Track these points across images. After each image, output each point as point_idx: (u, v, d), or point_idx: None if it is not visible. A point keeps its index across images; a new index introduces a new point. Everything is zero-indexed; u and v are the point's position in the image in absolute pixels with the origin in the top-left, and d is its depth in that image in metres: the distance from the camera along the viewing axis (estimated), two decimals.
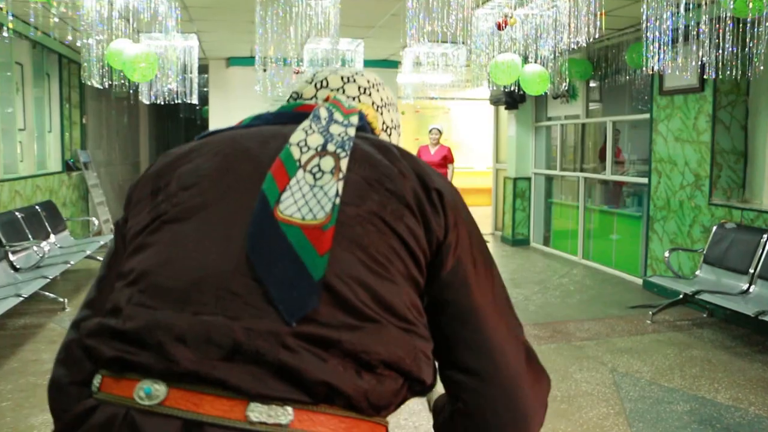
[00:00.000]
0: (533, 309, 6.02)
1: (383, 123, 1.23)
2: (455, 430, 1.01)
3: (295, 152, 0.96)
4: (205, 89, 10.59)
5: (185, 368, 0.83)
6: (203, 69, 10.36)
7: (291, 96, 1.25)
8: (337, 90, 1.19)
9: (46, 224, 7.51)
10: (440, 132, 9.59)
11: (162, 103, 8.42)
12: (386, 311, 0.90)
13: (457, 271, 0.97)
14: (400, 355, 0.90)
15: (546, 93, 8.72)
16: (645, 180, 6.85)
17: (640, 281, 6.94)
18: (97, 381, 0.90)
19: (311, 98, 1.19)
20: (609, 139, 7.64)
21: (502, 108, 10.02)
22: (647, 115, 6.80)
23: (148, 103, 8.23)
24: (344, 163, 0.95)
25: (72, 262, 6.50)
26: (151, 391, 0.83)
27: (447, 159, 9.45)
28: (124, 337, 0.88)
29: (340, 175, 0.93)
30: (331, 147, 0.97)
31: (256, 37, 5.77)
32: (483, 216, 11.98)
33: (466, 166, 15.47)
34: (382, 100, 1.23)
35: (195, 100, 8.45)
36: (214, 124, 9.99)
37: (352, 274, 0.89)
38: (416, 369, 0.92)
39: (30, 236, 6.87)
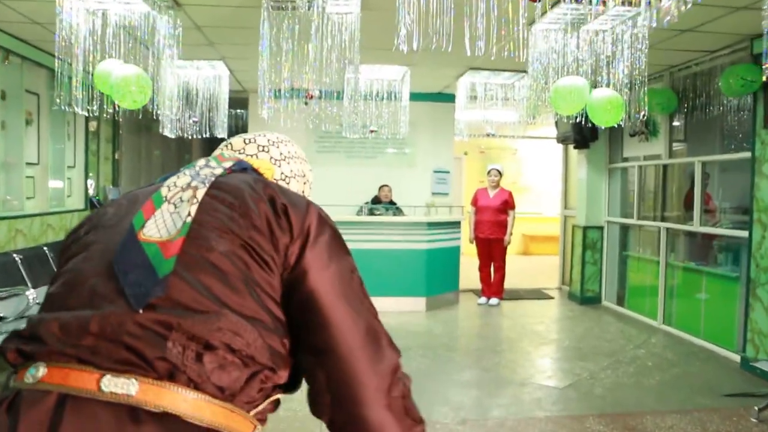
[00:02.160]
0: (600, 393, 4.82)
1: (281, 173, 1.43)
2: (317, 411, 1.13)
3: (164, 191, 1.19)
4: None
5: (55, 349, 1.00)
6: (241, 103, 9.67)
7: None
8: (239, 150, 1.42)
9: (54, 267, 6.83)
10: (500, 173, 8.52)
11: (190, 137, 7.75)
12: (229, 302, 1.05)
13: (299, 266, 1.13)
14: (242, 338, 1.03)
15: (621, 128, 7.60)
16: (744, 233, 5.59)
17: (736, 358, 5.62)
18: (13, 377, 1.04)
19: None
20: (698, 183, 6.39)
21: (571, 148, 8.88)
22: (747, 154, 5.57)
23: (172, 136, 7.52)
24: (201, 192, 1.17)
25: None
26: (34, 371, 0.99)
27: (507, 204, 8.37)
28: (21, 335, 1.06)
29: (194, 201, 1.14)
30: (194, 183, 1.19)
31: (258, 56, 4.87)
32: (550, 267, 10.75)
33: (534, 212, 14.30)
34: (281, 154, 1.44)
35: (224, 134, 7.73)
36: None
37: (198, 273, 1.06)
38: (262, 354, 1.05)
39: (28, 280, 6.17)
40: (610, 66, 4.83)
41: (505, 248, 8.37)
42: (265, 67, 5.31)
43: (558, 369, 5.54)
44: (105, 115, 6.70)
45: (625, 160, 8.09)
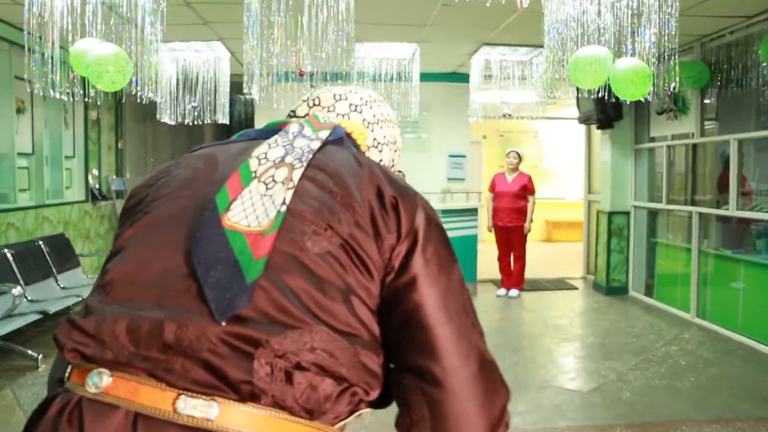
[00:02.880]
0: (628, 398, 4.34)
1: (374, 139, 1.28)
2: None
3: (253, 164, 1.02)
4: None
5: (122, 359, 0.88)
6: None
7: (288, 114, 1.30)
8: (329, 108, 1.26)
9: (50, 261, 6.50)
10: (519, 156, 8.02)
11: (191, 124, 7.36)
12: (323, 315, 0.91)
13: (405, 273, 0.98)
14: (336, 359, 0.91)
15: (648, 105, 7.06)
16: None
17: None
18: (67, 372, 0.93)
19: (304, 116, 1.26)
20: (734, 163, 5.84)
21: (594, 128, 8.35)
22: None
23: (172, 123, 7.14)
24: (297, 173, 1.00)
25: (51, 310, 5.40)
26: (97, 380, 0.88)
27: (527, 189, 7.87)
28: (81, 330, 0.93)
29: (290, 185, 0.98)
30: (289, 159, 1.03)
31: (243, 29, 4.43)
32: (574, 255, 10.24)
33: (557, 197, 13.76)
34: (374, 116, 1.28)
35: (225, 120, 7.32)
36: None
37: (289, 277, 0.92)
38: (356, 376, 0.93)
39: (19, 276, 5.85)
40: (636, 35, 4.32)
41: (525, 236, 7.89)
42: (254, 42, 4.88)
43: (582, 369, 5.07)
44: (100, 102, 6.34)
45: (652, 140, 7.54)
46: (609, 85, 4.38)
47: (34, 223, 6.68)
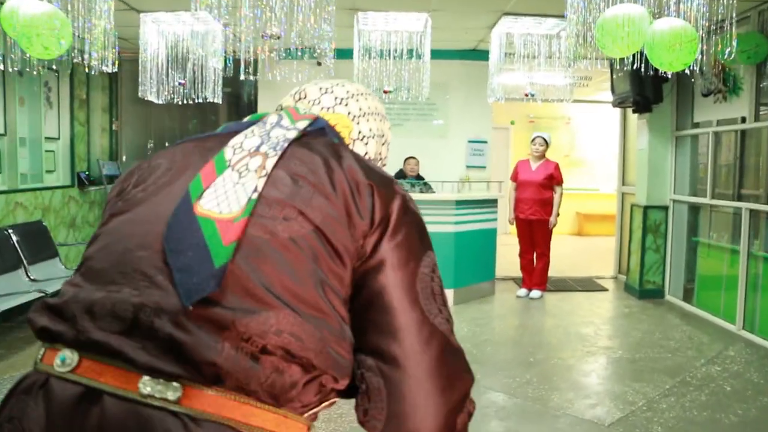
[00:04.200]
0: None
1: (359, 132, 1.28)
2: (368, 424, 1.00)
3: (228, 153, 1.04)
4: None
5: (90, 338, 0.89)
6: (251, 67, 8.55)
7: (276, 108, 1.31)
8: (314, 101, 1.27)
9: (20, 251, 5.92)
10: (546, 142, 7.20)
11: (182, 103, 6.70)
12: (291, 298, 0.92)
13: (374, 256, 1.00)
14: (303, 344, 0.91)
15: (692, 83, 6.19)
16: None
17: None
18: (40, 353, 0.95)
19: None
20: None
21: (630, 112, 7.49)
22: None
23: (160, 102, 6.49)
24: (271, 162, 1.01)
25: (5, 307, 4.82)
26: (65, 359, 0.90)
27: (553, 179, 7.06)
28: (52, 310, 0.96)
29: (263, 173, 0.99)
30: (263, 148, 1.04)
31: None
32: (606, 251, 9.38)
33: (590, 188, 12.87)
34: (360, 109, 1.28)
35: (217, 100, 6.65)
36: None
37: (258, 262, 0.92)
38: (323, 361, 0.93)
39: None
40: None
41: (550, 231, 7.08)
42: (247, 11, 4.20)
43: (605, 393, 4.29)
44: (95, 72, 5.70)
45: (696, 125, 6.65)
46: (645, 54, 3.56)
47: (4, 209, 6.11)
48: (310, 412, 0.96)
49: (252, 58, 6.41)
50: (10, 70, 4.09)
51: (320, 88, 1.29)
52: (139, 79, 6.14)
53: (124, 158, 8.64)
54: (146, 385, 0.86)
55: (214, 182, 0.99)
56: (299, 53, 5.48)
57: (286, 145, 1.05)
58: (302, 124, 1.12)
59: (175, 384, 0.86)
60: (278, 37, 4.29)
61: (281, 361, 0.90)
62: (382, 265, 0.99)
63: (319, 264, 0.96)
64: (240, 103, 10.37)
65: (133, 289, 0.92)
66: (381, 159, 1.35)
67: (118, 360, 0.87)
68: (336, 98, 1.27)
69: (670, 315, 6.39)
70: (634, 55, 3.57)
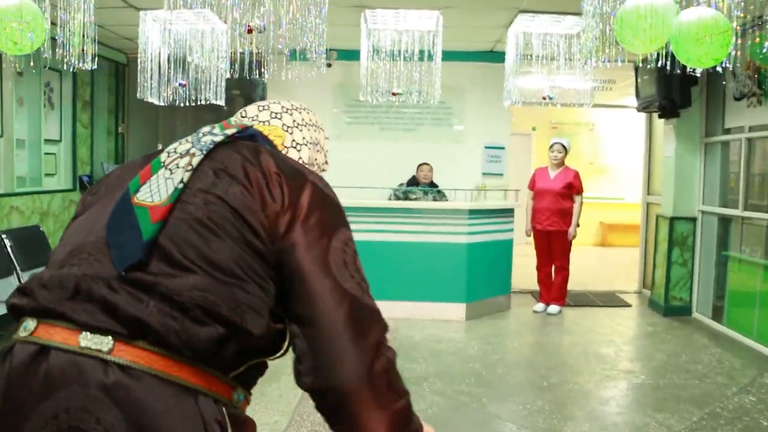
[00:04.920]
0: None
1: (292, 140, 1.44)
2: (299, 380, 1.14)
3: (164, 157, 1.22)
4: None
5: (42, 305, 1.07)
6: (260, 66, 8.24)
7: None
8: (253, 117, 1.44)
9: (12, 257, 5.68)
10: (565, 149, 6.82)
11: (194, 105, 6.42)
12: (208, 265, 1.08)
13: (289, 235, 1.15)
14: (216, 301, 1.06)
15: (723, 86, 5.78)
16: None
17: None
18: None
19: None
20: None
21: (656, 117, 7.07)
22: None
23: (161, 104, 6.23)
24: (197, 159, 1.19)
25: None
26: (27, 326, 1.07)
27: (573, 187, 6.67)
28: (19, 290, 1.14)
29: (189, 168, 1.17)
30: (192, 150, 1.22)
31: None
32: (631, 263, 8.94)
33: (614, 197, 12.40)
34: (293, 121, 1.45)
35: (221, 102, 6.36)
36: None
37: (180, 236, 1.10)
38: (238, 319, 1.08)
39: None
40: None
41: (570, 243, 6.68)
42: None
43: (624, 425, 3.89)
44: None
45: (727, 131, 6.22)
46: (671, 49, 3.18)
47: None
48: (235, 372, 1.11)
49: (255, 60, 6.12)
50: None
51: (258, 107, 1.46)
52: (138, 80, 5.86)
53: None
54: (84, 339, 1.02)
55: (149, 179, 1.16)
56: (300, 55, 5.16)
57: (212, 146, 1.22)
58: (230, 131, 1.29)
59: (108, 338, 1.02)
60: (261, 31, 3.96)
61: (198, 316, 1.04)
62: (295, 245, 1.14)
63: (236, 239, 1.11)
64: (236, 101, 10.11)
65: (80, 266, 1.09)
66: (317, 164, 1.50)
67: (65, 321, 1.04)
68: (271, 113, 1.44)
69: (697, 335, 5.96)
70: (658, 52, 3.18)
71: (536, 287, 7.04)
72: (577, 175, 6.73)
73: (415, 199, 6.96)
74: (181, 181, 1.14)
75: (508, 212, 6.83)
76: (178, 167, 1.17)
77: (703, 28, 2.90)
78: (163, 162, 1.19)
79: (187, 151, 1.20)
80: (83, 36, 3.75)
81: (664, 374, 4.80)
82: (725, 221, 6.34)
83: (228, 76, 6.32)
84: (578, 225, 6.67)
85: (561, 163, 6.79)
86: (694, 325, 6.31)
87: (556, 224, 6.62)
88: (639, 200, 8.86)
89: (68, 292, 1.06)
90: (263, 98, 9.22)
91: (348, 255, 1.18)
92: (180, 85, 6.09)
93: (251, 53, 6.14)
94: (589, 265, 9.57)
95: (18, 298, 1.12)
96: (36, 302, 1.08)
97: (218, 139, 1.24)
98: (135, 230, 1.09)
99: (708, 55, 2.99)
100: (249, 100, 10.08)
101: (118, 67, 7.93)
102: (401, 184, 7.35)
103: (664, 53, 3.22)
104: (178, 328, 1.03)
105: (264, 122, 1.42)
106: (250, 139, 1.31)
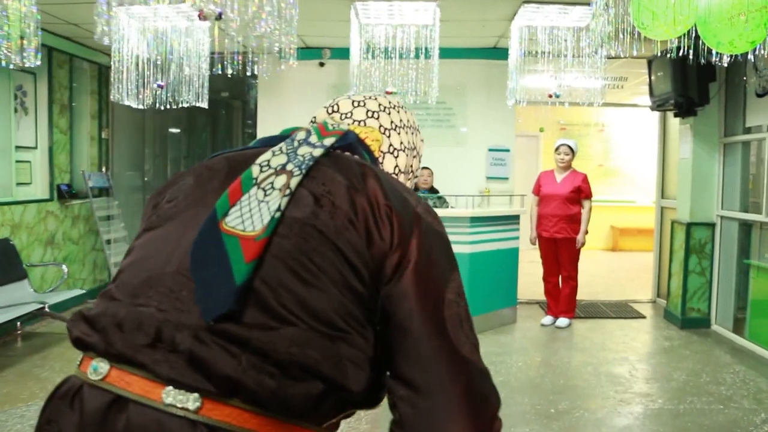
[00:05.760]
0: None
1: (389, 145, 1.31)
2: None
3: (255, 171, 1.06)
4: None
5: (118, 351, 0.94)
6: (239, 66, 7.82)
7: (310, 120, 1.36)
8: (347, 114, 1.32)
9: None
10: (572, 151, 6.39)
11: (164, 108, 6.03)
12: (308, 316, 0.95)
13: (399, 283, 1.00)
14: (317, 358, 0.94)
15: (743, 82, 5.33)
16: None
17: None
18: (78, 360, 1.01)
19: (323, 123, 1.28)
20: None
21: (671, 116, 6.62)
22: None
23: (139, 107, 5.83)
24: (295, 181, 1.03)
25: None
26: (97, 368, 0.95)
27: (581, 192, 6.23)
28: (86, 321, 1.01)
29: (287, 192, 1.02)
30: (289, 166, 1.06)
31: None
32: (644, 269, 8.50)
33: (626, 200, 11.95)
34: (391, 123, 1.33)
35: (204, 104, 5.96)
36: (262, 134, 7.47)
37: (277, 279, 0.96)
38: (338, 375, 0.95)
39: None
40: None
41: (578, 252, 6.25)
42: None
43: None
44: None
45: (748, 130, 5.77)
46: (695, 36, 2.74)
47: None
48: (329, 422, 1.00)
49: (240, 61, 5.74)
50: None
51: (353, 102, 1.33)
52: (111, 80, 5.47)
53: (115, 168, 8.00)
54: (168, 395, 0.90)
55: (240, 200, 1.02)
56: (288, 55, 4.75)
57: (312, 163, 1.07)
58: (329, 141, 1.14)
59: (195, 395, 0.90)
60: (218, 18, 3.55)
61: (296, 374, 0.93)
62: (407, 294, 1.00)
63: (338, 282, 0.98)
64: (246, 107, 9.73)
65: (159, 303, 0.96)
66: (412, 171, 1.39)
67: (145, 371, 0.92)
68: (368, 111, 1.32)
69: (718, 350, 5.50)
70: (679, 39, 2.75)
71: (545, 296, 6.60)
72: (585, 179, 6.29)
73: None
74: (279, 209, 1.00)
75: (513, 219, 6.40)
76: (273, 188, 1.02)
77: (737, 5, 2.45)
78: (256, 178, 1.05)
79: (283, 167, 1.06)
80: (28, 27, 3.34)
81: (684, 397, 4.36)
82: (746, 227, 5.88)
83: (208, 75, 5.91)
84: (587, 232, 6.23)
85: (568, 166, 6.36)
86: (714, 339, 5.85)
87: (563, 231, 6.19)
88: (652, 203, 8.42)
89: (148, 338, 0.94)
90: (255, 100, 8.82)
91: (462, 309, 1.04)
92: (158, 86, 5.69)
93: (239, 53, 5.77)
94: (599, 272, 9.12)
95: (86, 332, 0.99)
96: (109, 344, 0.95)
97: (317, 153, 1.09)
98: (225, 269, 0.95)
99: (742, 38, 2.55)
100: (244, 103, 9.70)
101: (101, 69, 7.53)
102: None
103: (686, 41, 2.78)
104: (275, 386, 0.92)
105: (359, 122, 1.31)
106: (348, 149, 1.17)
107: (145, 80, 5.77)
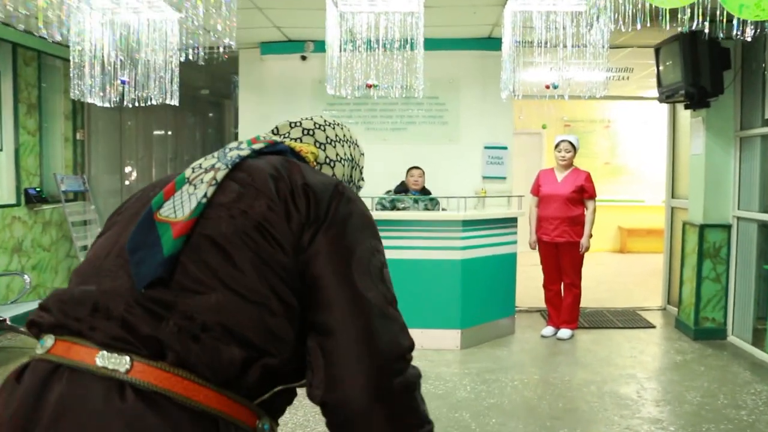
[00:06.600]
0: None
1: (326, 157, 1.42)
2: (311, 393, 1.07)
3: (188, 172, 1.19)
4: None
5: (60, 323, 1.03)
6: (232, 64, 7.31)
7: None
8: (285, 135, 1.43)
9: None
10: (574, 147, 5.90)
11: (132, 105, 5.57)
12: (231, 283, 1.03)
13: (314, 243, 1.10)
14: (240, 322, 1.01)
15: (761, 71, 4.83)
16: None
17: None
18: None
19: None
20: None
21: (682, 108, 6.12)
22: None
23: (105, 105, 5.38)
24: (221, 174, 1.15)
25: None
26: (44, 343, 1.03)
27: (584, 192, 5.75)
28: (40, 307, 1.10)
29: (213, 182, 1.14)
30: (218, 165, 1.18)
31: None
32: (653, 273, 7.99)
33: (633, 200, 11.43)
34: (327, 138, 1.44)
35: (174, 102, 5.49)
36: (244, 133, 7.02)
37: (204, 253, 1.06)
38: (261, 341, 1.02)
39: None
40: None
41: (581, 257, 5.75)
42: None
43: None
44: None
45: (767, 123, 5.27)
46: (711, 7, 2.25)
47: None
48: (260, 399, 1.05)
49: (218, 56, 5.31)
50: None
51: (290, 123, 1.45)
52: (70, 75, 5.03)
53: (92, 171, 7.57)
54: (101, 358, 0.97)
55: (173, 195, 1.13)
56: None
57: (238, 160, 1.19)
58: (258, 146, 1.26)
59: (126, 358, 0.96)
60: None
61: (221, 336, 0.99)
62: (319, 252, 1.09)
63: (261, 253, 1.06)
64: (236, 107, 9.28)
65: (99, 283, 1.06)
66: (352, 181, 1.49)
67: (82, 338, 1.00)
68: (304, 130, 1.43)
69: (736, 366, 4.99)
70: (693, 5, 2.26)
71: (545, 305, 6.11)
72: (588, 177, 5.81)
73: (404, 209, 6.05)
74: (205, 196, 1.11)
75: (511, 222, 5.92)
76: (202, 182, 1.14)
77: None
78: (188, 177, 1.16)
79: (212, 166, 1.18)
80: None
81: (700, 424, 3.86)
82: (766, 229, 5.37)
83: (177, 70, 5.45)
84: (591, 235, 5.74)
85: (570, 164, 5.88)
86: (731, 352, 5.35)
87: (565, 234, 5.70)
88: (661, 202, 7.91)
89: (87, 309, 1.02)
90: (235, 96, 8.36)
91: (373, 265, 1.13)
92: (122, 82, 5.23)
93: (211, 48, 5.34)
94: (605, 276, 8.60)
95: (38, 314, 1.08)
96: (54, 318, 1.04)
97: (245, 153, 1.22)
98: (156, 246, 1.05)
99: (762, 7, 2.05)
100: (229, 102, 9.25)
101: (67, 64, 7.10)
102: (388, 192, 6.44)
103: (699, 10, 2.30)
104: (199, 348, 0.98)
105: (296, 139, 1.41)
106: (278, 154, 1.28)
107: (111, 77, 5.33)
